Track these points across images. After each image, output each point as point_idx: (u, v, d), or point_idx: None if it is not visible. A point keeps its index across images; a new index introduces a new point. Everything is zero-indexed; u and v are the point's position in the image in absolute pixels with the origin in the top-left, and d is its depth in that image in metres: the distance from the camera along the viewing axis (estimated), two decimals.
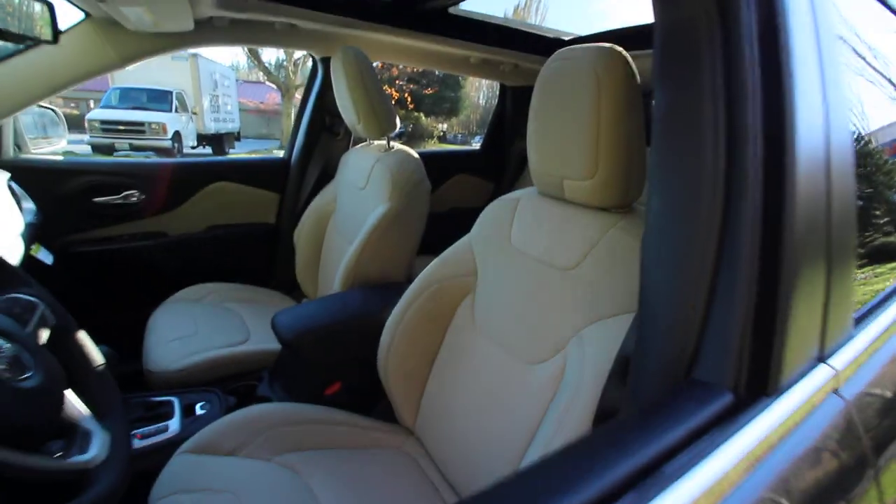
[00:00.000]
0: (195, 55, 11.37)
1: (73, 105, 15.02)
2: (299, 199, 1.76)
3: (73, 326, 0.67)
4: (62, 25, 1.13)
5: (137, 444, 0.94)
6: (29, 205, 1.33)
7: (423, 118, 15.00)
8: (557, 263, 0.83)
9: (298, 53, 12.25)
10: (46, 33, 0.96)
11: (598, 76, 0.71)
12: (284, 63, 13.49)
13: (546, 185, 0.88)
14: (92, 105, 11.17)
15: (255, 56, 12.85)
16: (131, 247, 1.56)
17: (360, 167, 1.46)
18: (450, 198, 2.18)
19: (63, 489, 0.53)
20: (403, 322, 1.00)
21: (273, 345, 1.29)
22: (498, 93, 2.26)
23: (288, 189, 1.77)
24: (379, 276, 1.33)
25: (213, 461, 0.86)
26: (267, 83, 16.89)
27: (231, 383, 1.19)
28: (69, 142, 1.65)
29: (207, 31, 1.35)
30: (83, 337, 0.68)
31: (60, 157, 1.47)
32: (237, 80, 15.92)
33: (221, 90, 12.75)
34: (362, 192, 1.42)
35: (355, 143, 1.72)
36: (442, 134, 15.61)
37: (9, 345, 0.52)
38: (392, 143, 1.44)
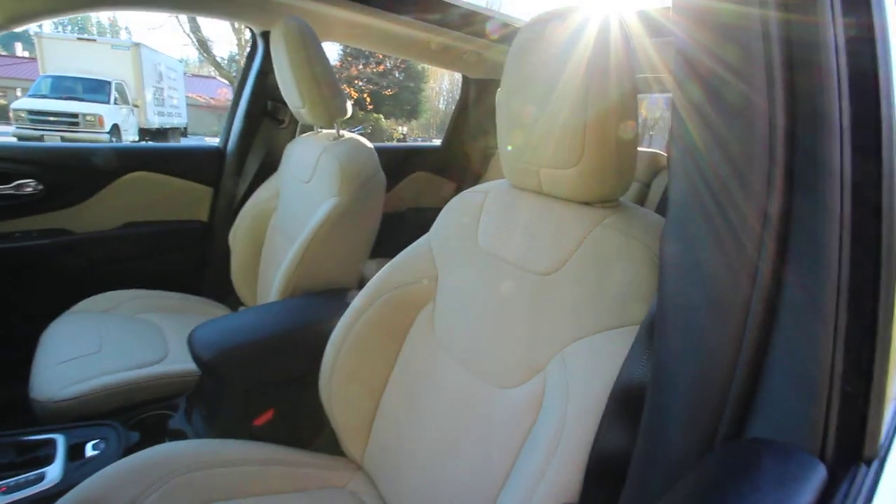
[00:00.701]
0: (138, 44, 10.65)
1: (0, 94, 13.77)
2: (236, 194, 1.55)
3: None
4: None
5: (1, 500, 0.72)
6: None
7: (383, 120, 14.76)
8: (533, 267, 0.70)
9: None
10: None
11: (588, 42, 0.58)
12: (237, 57, 12.91)
13: (519, 176, 0.75)
14: (19, 94, 10.20)
15: (205, 49, 12.18)
16: (24, 247, 1.29)
17: (304, 158, 1.28)
18: (407, 196, 2.03)
19: None
20: (351, 336, 0.84)
21: (194, 365, 1.09)
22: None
23: (223, 182, 1.56)
24: (325, 282, 1.16)
25: None
26: (218, 78, 16.14)
27: (137, 413, 0.97)
28: None
29: None
30: None
31: None
32: (186, 74, 15.08)
33: (167, 82, 12.01)
34: (307, 187, 1.25)
35: (303, 132, 1.53)
36: (402, 137, 15.43)
37: None
38: (342, 131, 1.27)
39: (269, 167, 1.52)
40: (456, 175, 2.17)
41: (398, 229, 1.62)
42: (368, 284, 0.87)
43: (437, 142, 2.29)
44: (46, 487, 0.76)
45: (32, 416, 0.96)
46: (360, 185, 1.16)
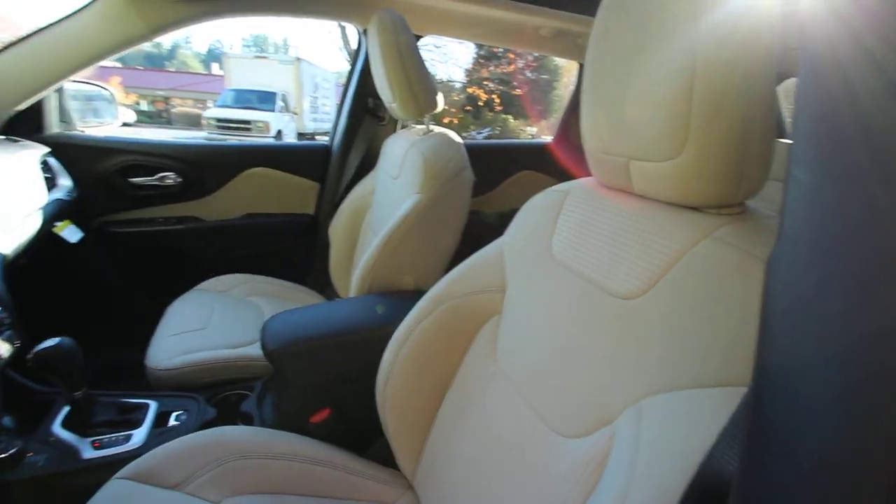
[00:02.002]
0: (299, 59, 12.18)
1: (199, 105, 16.97)
2: (338, 189, 1.60)
3: None
4: None
5: (90, 454, 0.81)
6: (66, 181, 1.31)
7: (512, 121, 14.63)
8: (614, 288, 0.55)
9: None
10: None
11: None
12: None
13: (605, 172, 0.60)
14: (210, 105, 12.42)
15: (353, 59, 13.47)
16: (165, 231, 1.50)
17: (394, 154, 1.26)
18: (512, 197, 1.90)
19: None
20: (409, 343, 0.78)
21: None
22: None
23: (328, 178, 1.63)
24: (402, 282, 1.12)
25: (151, 495, 0.69)
26: None
27: (220, 391, 1.04)
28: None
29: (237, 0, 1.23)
30: None
31: (101, 135, 1.45)
32: (337, 84, 16.86)
33: (321, 92, 13.53)
34: (395, 183, 1.22)
35: (404, 129, 1.52)
36: (531, 137, 15.15)
37: None
38: (432, 126, 1.22)
39: (368, 164, 1.54)
40: (567, 175, 1.98)
41: (498, 232, 1.52)
42: (431, 290, 0.79)
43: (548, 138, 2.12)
44: (128, 449, 0.84)
45: (145, 382, 1.08)
46: (444, 183, 1.09)
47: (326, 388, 0.91)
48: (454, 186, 1.10)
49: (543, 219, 0.70)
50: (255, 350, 1.15)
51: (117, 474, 0.70)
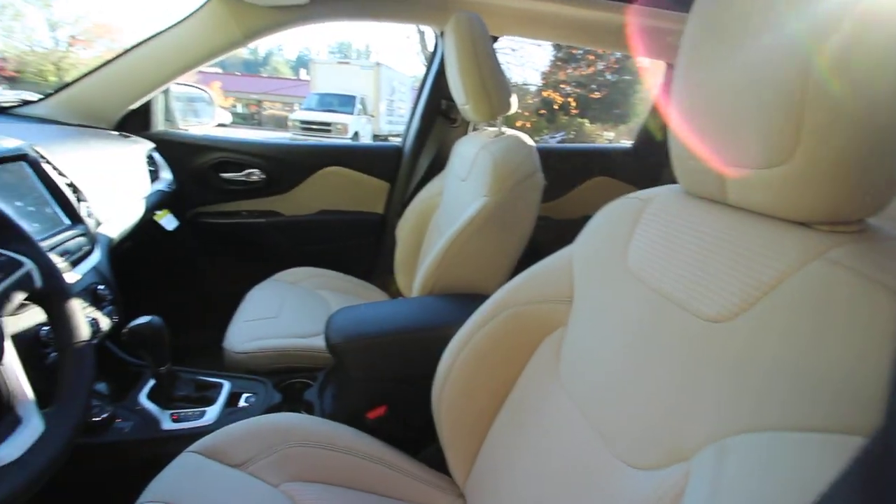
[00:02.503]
0: (378, 65, 12.67)
1: (287, 108, 18.22)
2: (408, 189, 1.63)
3: (65, 293, 0.60)
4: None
5: (168, 426, 0.88)
6: (167, 175, 1.45)
7: (588, 125, 14.15)
8: (698, 308, 0.49)
9: None
10: None
11: None
12: None
13: (694, 179, 0.55)
14: (296, 108, 13.30)
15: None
16: (248, 223, 1.61)
17: (464, 156, 1.25)
18: (584, 204, 1.82)
19: None
20: (468, 347, 0.76)
21: None
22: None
23: (398, 178, 1.66)
24: (465, 284, 1.10)
25: (217, 471, 0.73)
26: None
27: (286, 378, 1.08)
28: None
29: (327, 4, 1.29)
30: (73, 306, 0.61)
31: (199, 133, 1.58)
32: (413, 88, 17.35)
33: (397, 95, 13.98)
34: (463, 185, 1.21)
35: (475, 131, 1.52)
36: (608, 142, 14.55)
37: None
38: (504, 128, 1.19)
39: (438, 165, 1.55)
40: (646, 181, 1.86)
41: (568, 239, 1.46)
42: (495, 295, 0.77)
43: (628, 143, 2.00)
44: (201, 425, 0.90)
45: (221, 362, 1.16)
46: (513, 186, 1.06)
47: (384, 385, 0.91)
48: (523, 190, 1.07)
49: (620, 228, 0.65)
50: (321, 341, 1.19)
51: (189, 448, 0.75)
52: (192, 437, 0.79)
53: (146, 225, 1.28)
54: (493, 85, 1.13)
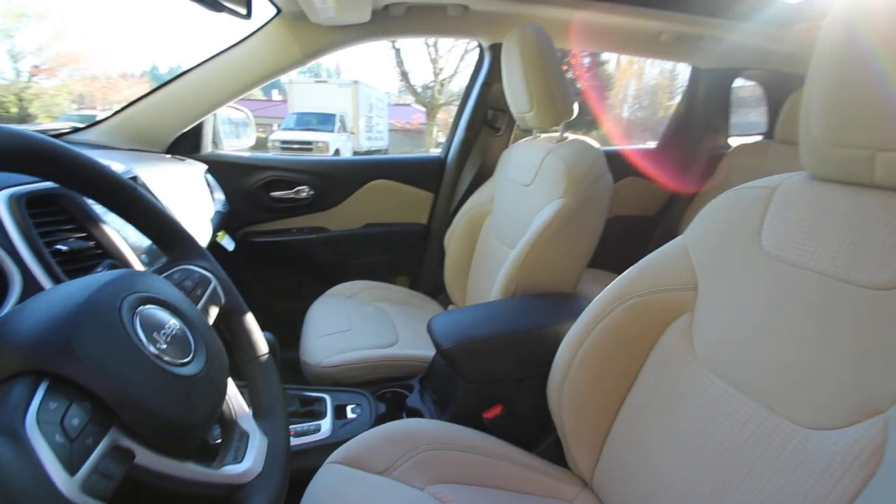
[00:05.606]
0: (356, 82, 12.73)
1: (260, 130, 18.04)
2: (453, 199, 1.66)
3: (243, 308, 0.61)
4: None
5: (290, 441, 0.88)
6: (220, 195, 1.44)
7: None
8: (859, 279, 0.54)
9: (444, 73, 13.04)
10: (241, 7, 0.97)
11: None
12: (431, 84, 14.40)
13: (835, 165, 0.60)
14: (275, 128, 13.20)
15: (406, 79, 13.97)
16: (298, 240, 1.61)
17: (525, 162, 1.29)
18: (621, 203, 1.88)
19: None
20: (587, 342, 0.79)
21: (421, 351, 1.18)
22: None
23: (442, 188, 1.69)
24: (544, 285, 1.13)
25: (364, 479, 0.74)
26: (412, 105, 18.25)
27: (380, 387, 1.09)
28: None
29: (383, 22, 1.33)
30: (251, 321, 0.61)
31: (248, 154, 1.59)
32: (389, 104, 17.46)
33: (375, 112, 14.06)
34: (528, 190, 1.25)
35: (518, 140, 1.57)
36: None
37: (177, 322, 0.44)
38: (566, 133, 1.25)
39: (483, 174, 1.59)
40: (671, 180, 1.95)
41: (601, 238, 1.52)
42: (608, 289, 0.81)
43: (653, 144, 2.10)
44: (321, 438, 0.90)
45: (299, 375, 1.16)
46: (588, 187, 1.11)
47: (497, 385, 0.94)
48: (597, 191, 1.12)
49: (746, 215, 0.69)
50: (400, 350, 1.21)
51: (329, 459, 0.76)
52: (315, 452, 0.80)
53: (210, 247, 1.27)
54: (559, 93, 1.18)
